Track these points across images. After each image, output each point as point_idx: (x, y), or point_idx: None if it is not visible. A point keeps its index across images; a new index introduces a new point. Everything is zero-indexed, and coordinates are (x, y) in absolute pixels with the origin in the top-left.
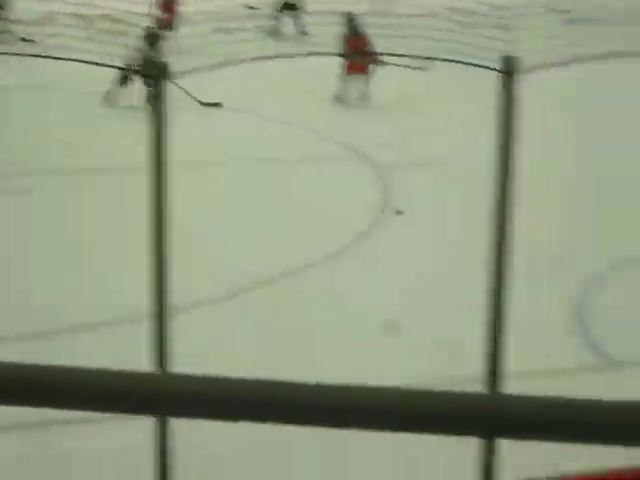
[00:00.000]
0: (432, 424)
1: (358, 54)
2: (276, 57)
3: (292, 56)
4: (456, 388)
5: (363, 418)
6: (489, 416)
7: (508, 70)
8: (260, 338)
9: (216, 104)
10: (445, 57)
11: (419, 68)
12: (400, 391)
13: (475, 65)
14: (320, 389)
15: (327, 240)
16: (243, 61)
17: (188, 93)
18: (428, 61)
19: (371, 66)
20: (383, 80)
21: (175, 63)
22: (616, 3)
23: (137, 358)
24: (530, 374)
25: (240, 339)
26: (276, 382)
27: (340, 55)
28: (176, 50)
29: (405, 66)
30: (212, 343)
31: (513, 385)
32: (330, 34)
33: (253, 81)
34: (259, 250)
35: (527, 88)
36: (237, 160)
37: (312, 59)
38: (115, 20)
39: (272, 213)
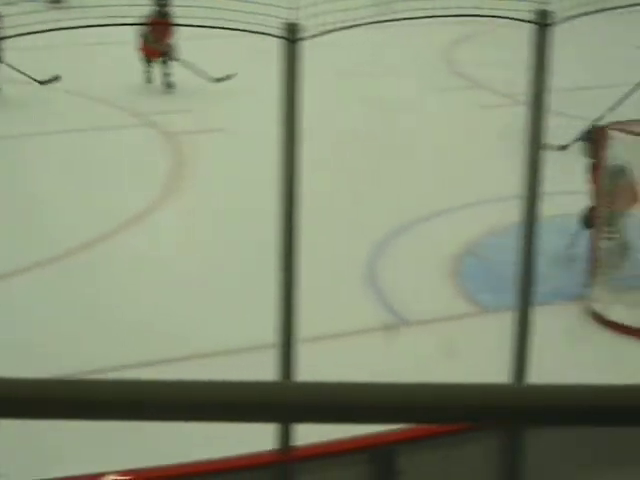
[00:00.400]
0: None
1: (157, 40)
2: (73, 28)
3: (87, 27)
4: (254, 353)
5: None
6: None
7: (291, 37)
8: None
9: (55, 78)
10: (230, 26)
11: (218, 79)
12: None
13: (258, 33)
14: (119, 385)
15: (128, 205)
16: (41, 32)
17: (24, 73)
18: (228, 73)
19: (168, 54)
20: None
21: None
22: None
23: None
24: (325, 337)
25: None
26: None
27: (139, 25)
28: None
29: (202, 76)
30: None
31: (308, 350)
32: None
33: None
34: (59, 220)
35: (310, 54)
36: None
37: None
38: None
39: (70, 182)
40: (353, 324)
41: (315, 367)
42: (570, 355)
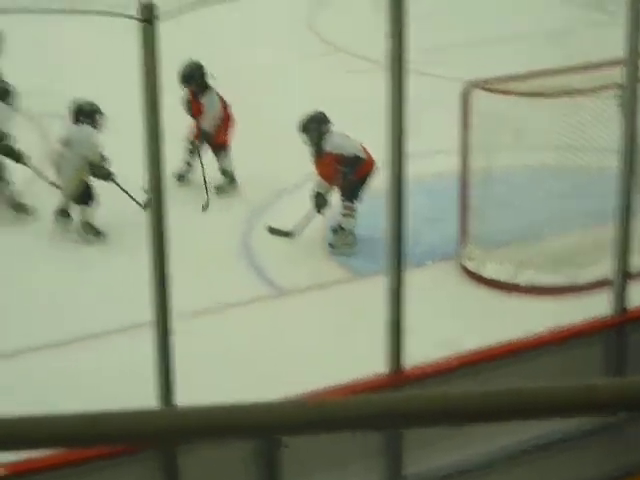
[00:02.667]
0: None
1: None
2: None
3: None
4: (125, 334)
5: None
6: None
7: (147, 18)
8: None
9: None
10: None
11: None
12: None
13: (113, 15)
14: None
15: None
16: None
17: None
18: None
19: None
20: None
21: None
22: None
23: None
24: (204, 311)
25: None
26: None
27: None
28: None
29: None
30: None
31: (187, 325)
32: None
33: None
34: None
35: (167, 34)
36: None
37: None
38: None
39: None
40: (229, 297)
41: (194, 343)
42: (449, 314)
